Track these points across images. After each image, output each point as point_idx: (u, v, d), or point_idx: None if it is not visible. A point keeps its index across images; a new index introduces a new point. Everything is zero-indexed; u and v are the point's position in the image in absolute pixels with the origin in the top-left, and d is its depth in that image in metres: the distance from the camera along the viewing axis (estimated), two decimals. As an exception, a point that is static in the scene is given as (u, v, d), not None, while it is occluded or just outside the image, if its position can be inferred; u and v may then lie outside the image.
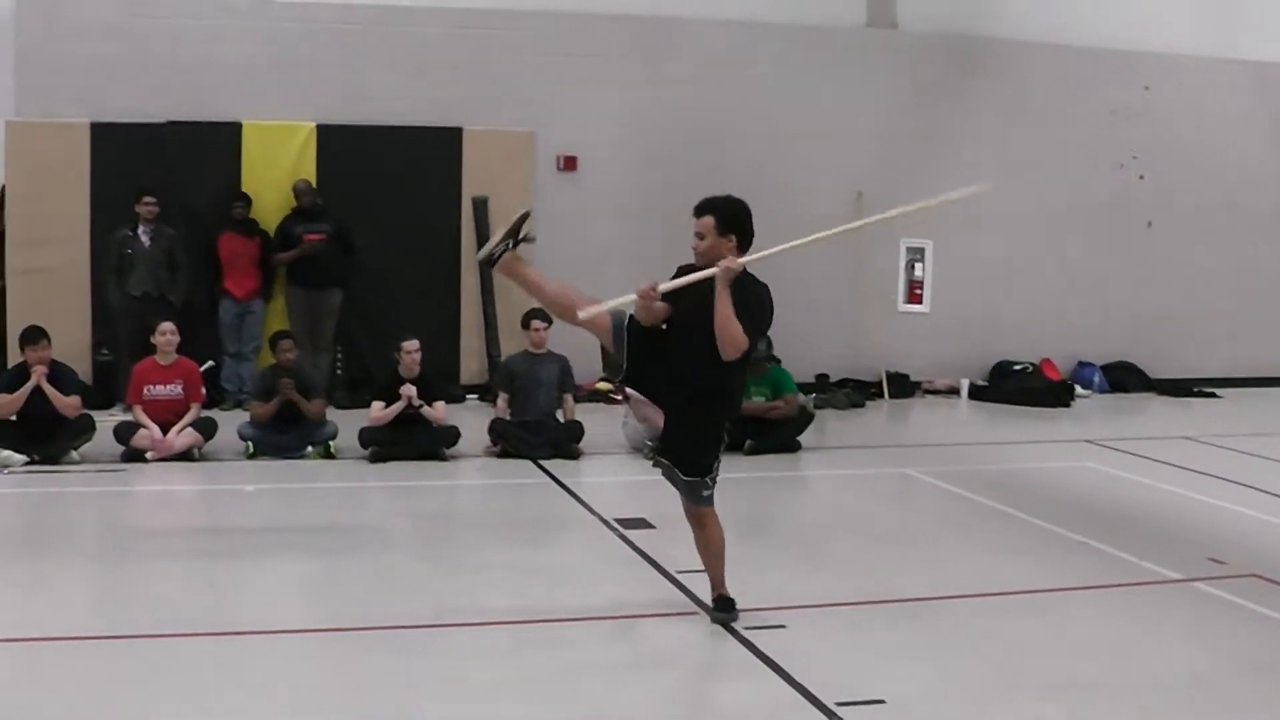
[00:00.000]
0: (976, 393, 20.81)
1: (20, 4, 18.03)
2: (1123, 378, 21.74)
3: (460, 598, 9.21)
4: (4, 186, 18.10)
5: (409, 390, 14.50)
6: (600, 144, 19.77)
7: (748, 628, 8.57)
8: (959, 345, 20.98)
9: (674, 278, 8.71)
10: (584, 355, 15.49)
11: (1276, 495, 13.30)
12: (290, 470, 14.23)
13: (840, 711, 7.15)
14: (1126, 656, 8.39)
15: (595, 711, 7.41)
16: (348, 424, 15.05)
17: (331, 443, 14.80)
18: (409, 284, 18.70)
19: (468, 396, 18.67)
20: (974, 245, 20.83)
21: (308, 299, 18.31)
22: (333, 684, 7.69)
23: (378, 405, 14.65)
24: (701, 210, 9.01)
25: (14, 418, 14.19)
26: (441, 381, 15.69)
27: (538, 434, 14.81)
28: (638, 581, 9.11)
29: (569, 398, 15.20)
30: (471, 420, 15.72)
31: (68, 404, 14.22)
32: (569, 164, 19.80)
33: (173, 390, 14.75)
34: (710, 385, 8.52)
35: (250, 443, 14.69)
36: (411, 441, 14.60)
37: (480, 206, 19.26)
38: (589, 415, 15.78)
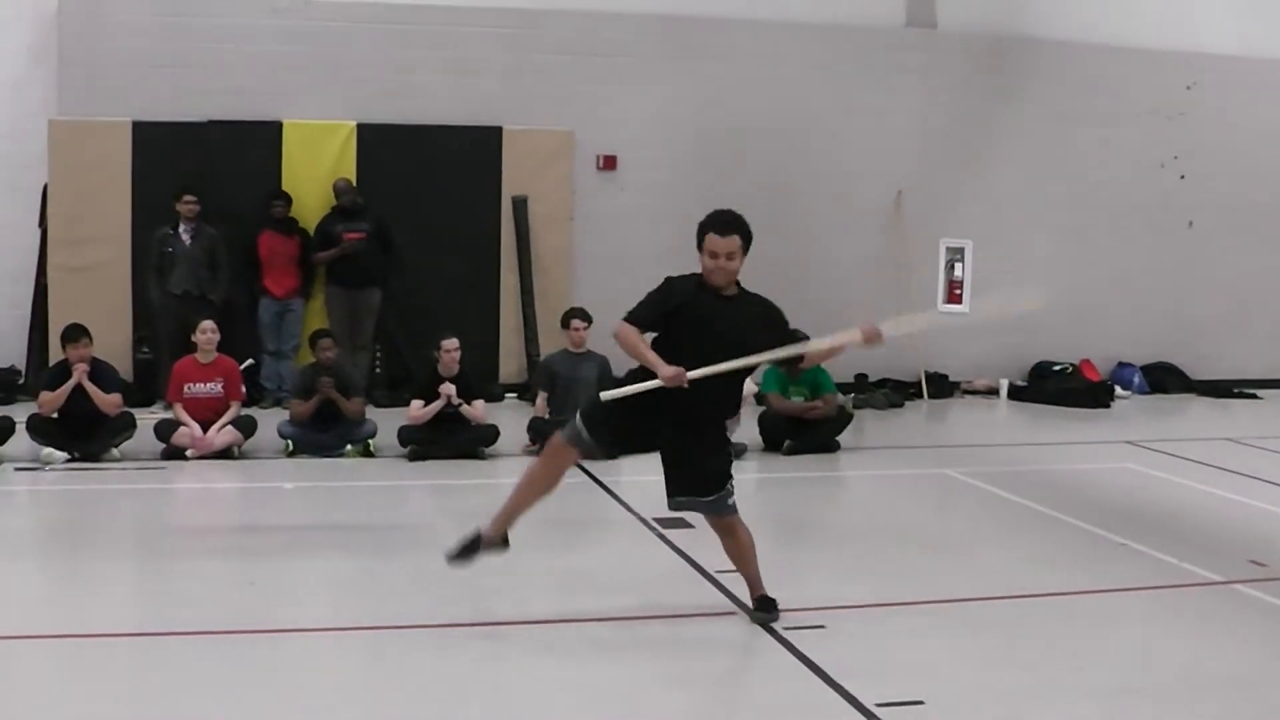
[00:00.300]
0: (1016, 393, 20.77)
1: (63, 3, 18.16)
2: (1163, 379, 21.66)
3: (500, 597, 9.20)
4: (46, 185, 18.20)
5: (448, 389, 14.51)
6: (640, 143, 19.78)
7: (787, 628, 8.56)
8: (998, 345, 20.91)
9: (667, 293, 8.56)
10: (624, 355, 15.47)
11: (1319, 498, 13.24)
12: (329, 469, 14.27)
13: (879, 712, 7.13)
14: (1167, 659, 8.34)
15: (634, 711, 7.41)
16: (387, 422, 15.08)
17: (370, 441, 14.83)
18: (448, 283, 18.73)
19: (507, 395, 18.70)
20: (1014, 245, 20.76)
21: (347, 298, 18.35)
22: (373, 683, 7.70)
23: (417, 404, 14.68)
24: (730, 228, 8.51)
25: (56, 415, 14.27)
26: (480, 380, 15.69)
27: (577, 434, 14.80)
28: (677, 581, 9.10)
29: (609, 397, 15.18)
30: (510, 419, 15.73)
31: (109, 401, 14.29)
32: (609, 163, 19.81)
33: (213, 388, 14.80)
34: (731, 400, 8.62)
35: (290, 441, 14.75)
36: (450, 440, 14.62)
37: (520, 206, 19.28)
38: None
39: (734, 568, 8.94)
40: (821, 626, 8.64)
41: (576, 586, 9.57)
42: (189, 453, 14.37)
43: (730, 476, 8.66)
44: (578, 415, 8.51)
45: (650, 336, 8.48)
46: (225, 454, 14.51)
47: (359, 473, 14.24)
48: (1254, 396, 21.41)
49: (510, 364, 19.39)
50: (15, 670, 7.85)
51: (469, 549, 8.61)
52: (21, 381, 18.14)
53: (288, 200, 18.39)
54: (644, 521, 11.47)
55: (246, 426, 14.79)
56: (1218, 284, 22.01)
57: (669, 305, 8.44)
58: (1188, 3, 21.36)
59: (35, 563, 10.79)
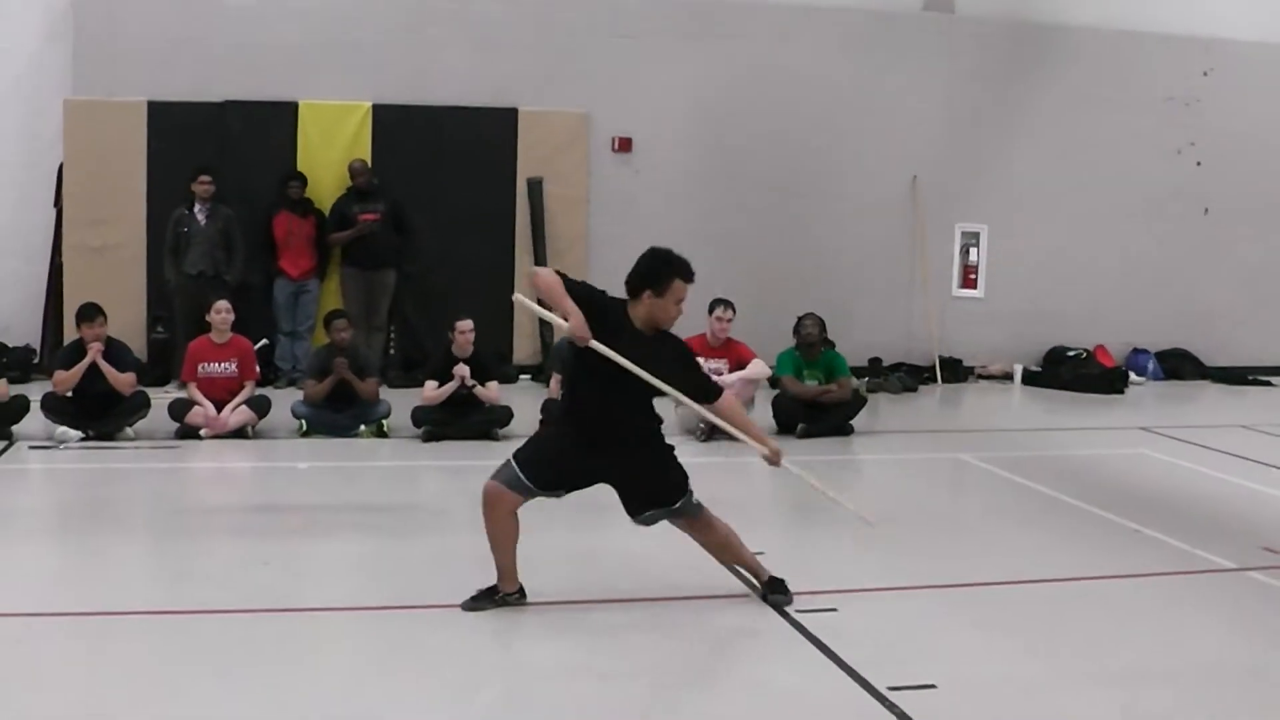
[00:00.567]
0: (1030, 378, 20.76)
1: (79, -17, 18.16)
2: (1177, 365, 21.63)
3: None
4: (62, 165, 18.24)
5: (462, 370, 14.52)
6: (656, 126, 19.78)
7: (799, 610, 8.56)
8: (1013, 330, 20.91)
9: (603, 300, 8.52)
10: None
11: (1333, 485, 13.23)
12: (343, 449, 14.30)
13: (891, 696, 7.13)
14: (1180, 645, 8.33)
15: (646, 691, 7.42)
16: (401, 403, 15.12)
17: (385, 422, 14.86)
18: (463, 264, 18.75)
19: (521, 377, 18.72)
20: (1029, 230, 20.77)
21: (362, 279, 18.38)
22: (388, 662, 7.71)
23: (431, 385, 14.69)
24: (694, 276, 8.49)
25: (70, 394, 14.30)
26: (495, 361, 15.71)
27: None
28: (689, 563, 9.09)
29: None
30: (525, 401, 15.73)
31: (123, 381, 14.32)
32: (624, 145, 19.81)
33: (227, 368, 14.83)
34: (644, 416, 8.58)
35: (304, 421, 14.77)
36: (464, 421, 14.63)
37: (535, 187, 19.29)
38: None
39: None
40: (834, 610, 8.64)
41: (590, 568, 9.58)
42: (203, 432, 14.40)
43: (687, 478, 8.64)
44: (511, 456, 8.51)
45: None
46: (239, 434, 14.54)
47: (373, 453, 14.27)
48: (1268, 384, 21.41)
49: (524, 345, 19.41)
50: (30, 648, 7.85)
51: (484, 596, 8.59)
52: (36, 360, 18.19)
53: (303, 181, 18.41)
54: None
55: (261, 406, 14.81)
56: (1233, 270, 21.96)
57: (594, 307, 8.34)
58: (1205, -11, 21.34)
59: (50, 541, 10.82)
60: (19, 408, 14.30)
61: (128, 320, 17.06)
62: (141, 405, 14.56)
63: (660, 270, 8.35)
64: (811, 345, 15.59)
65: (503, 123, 19.29)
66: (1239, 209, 21.86)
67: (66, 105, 18.08)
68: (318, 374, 14.95)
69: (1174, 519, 11.44)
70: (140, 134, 18.27)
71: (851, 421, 15.58)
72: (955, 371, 20.67)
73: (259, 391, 15.17)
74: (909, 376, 19.89)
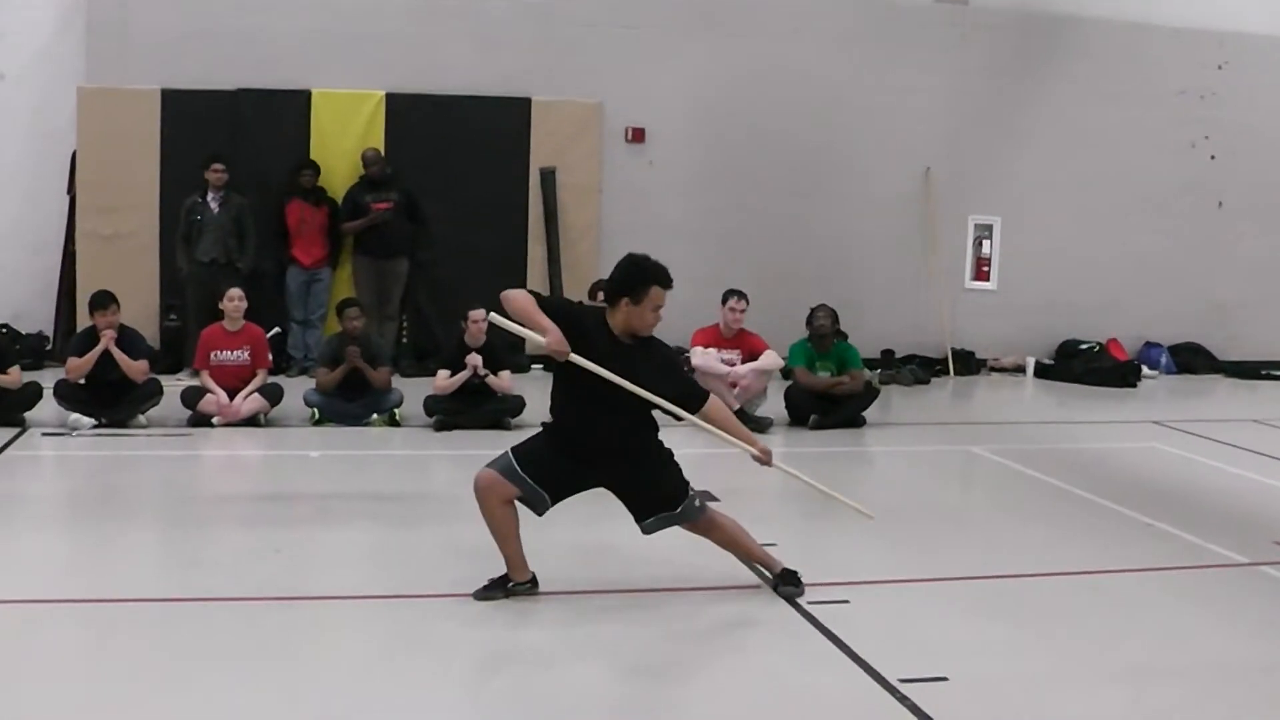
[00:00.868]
0: (1042, 371, 20.73)
1: (93, -30, 18.16)
2: (1190, 359, 21.60)
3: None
4: (75, 152, 18.25)
5: (475, 359, 14.51)
6: (668, 116, 19.77)
7: (811, 602, 8.57)
8: (1025, 323, 20.89)
9: (577, 312, 8.64)
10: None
11: (1346, 479, 13.21)
12: (355, 437, 14.31)
13: (902, 688, 7.13)
14: (1191, 640, 8.32)
15: (656, 682, 7.44)
16: (413, 392, 15.12)
17: (397, 411, 14.87)
18: (476, 254, 18.69)
19: (533, 366, 18.67)
20: (1042, 223, 20.74)
21: (375, 268, 18.40)
22: (399, 651, 7.71)
23: (443, 374, 14.68)
24: (672, 282, 8.41)
25: (83, 381, 14.31)
26: (507, 351, 15.67)
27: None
28: (699, 555, 9.09)
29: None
30: (537, 390, 15.56)
31: (136, 368, 14.34)
32: (637, 135, 19.79)
33: (240, 356, 14.84)
34: (644, 424, 8.53)
35: (316, 409, 14.78)
36: (477, 411, 14.63)
37: (548, 177, 19.28)
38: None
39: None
40: (845, 602, 8.65)
41: (603, 558, 9.59)
42: (215, 420, 14.41)
43: (687, 484, 8.64)
44: (510, 448, 8.55)
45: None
46: (251, 421, 14.56)
47: (385, 442, 14.29)
48: (1282, 378, 21.37)
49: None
50: (41, 635, 7.88)
51: (495, 586, 8.59)
52: (49, 347, 18.22)
53: (316, 170, 18.42)
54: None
55: (273, 394, 14.82)
56: (1247, 264, 21.91)
57: (571, 320, 8.33)
58: (1220, -18, 21.28)
59: (61, 528, 10.85)
60: (32, 394, 14.33)
61: (140, 308, 17.07)
62: (154, 392, 14.58)
63: (636, 278, 8.30)
64: (824, 337, 15.58)
65: (516, 112, 19.27)
66: (1253, 203, 21.81)
67: (80, 93, 18.09)
68: (330, 362, 14.96)
69: (1186, 513, 11.44)
70: (153, 122, 18.28)
71: (864, 413, 15.57)
72: (967, 364, 20.66)
73: (271, 380, 15.19)
74: (921, 369, 19.89)
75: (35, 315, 18.45)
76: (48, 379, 14.94)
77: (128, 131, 18.13)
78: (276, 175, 18.33)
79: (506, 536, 8.49)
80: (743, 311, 15.25)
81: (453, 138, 18.90)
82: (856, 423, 15.46)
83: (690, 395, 8.63)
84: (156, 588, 8.95)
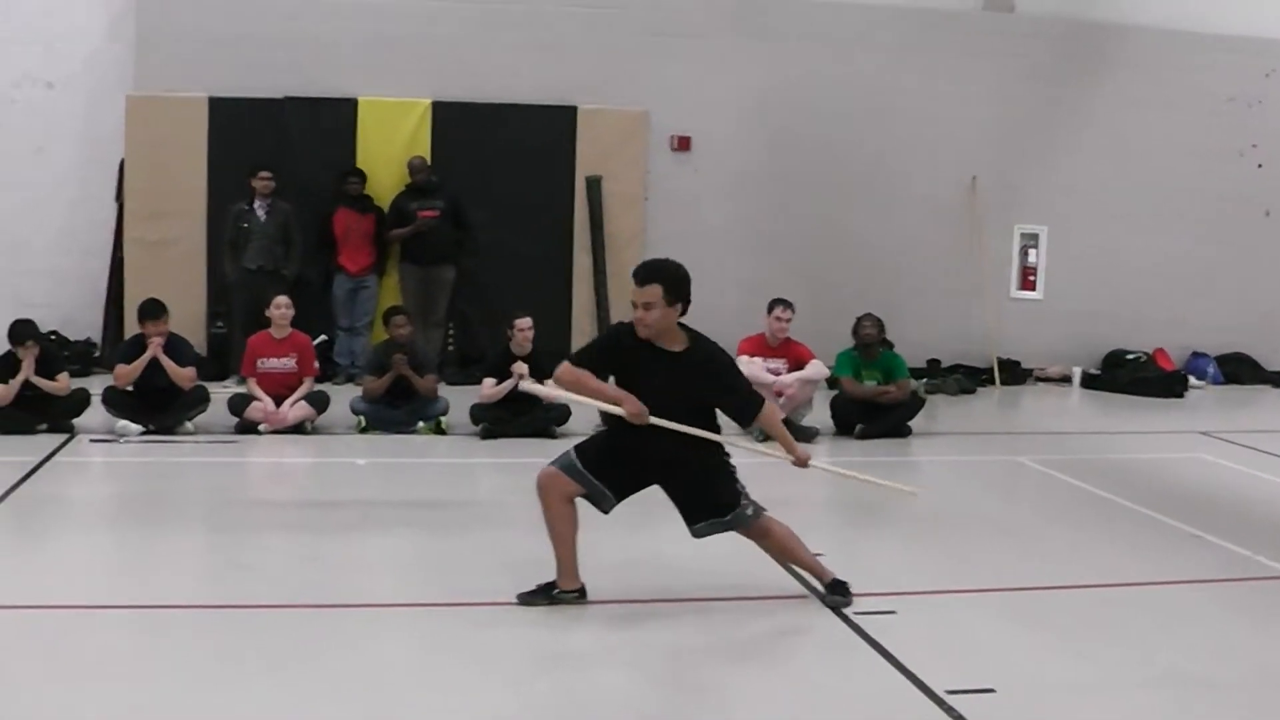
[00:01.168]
0: (1089, 381, 20.64)
1: (142, -21, 18.26)
2: (1237, 369, 21.47)
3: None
4: (123, 160, 18.34)
5: (520, 368, 14.51)
6: (714, 125, 19.75)
7: (857, 613, 8.55)
8: (1071, 332, 20.80)
9: (611, 340, 8.85)
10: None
11: (1395, 491, 13.12)
12: (401, 445, 14.35)
13: (949, 699, 7.11)
14: (1239, 652, 8.25)
15: (700, 691, 7.44)
16: (459, 400, 15.14)
17: (443, 419, 14.90)
18: (521, 262, 18.73)
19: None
20: (1088, 232, 20.65)
21: (421, 275, 18.44)
22: (442, 658, 7.73)
23: (489, 382, 14.71)
24: (646, 278, 8.30)
25: (131, 388, 14.39)
26: (553, 359, 15.66)
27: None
28: (747, 564, 9.08)
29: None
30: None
31: (183, 375, 14.40)
32: (683, 144, 19.80)
33: (286, 364, 14.89)
34: (699, 440, 8.48)
35: (362, 417, 14.82)
36: (522, 419, 14.63)
37: (594, 185, 19.29)
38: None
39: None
40: (892, 612, 8.62)
41: (648, 567, 9.58)
42: (262, 427, 14.47)
43: (740, 491, 8.61)
44: (572, 448, 8.60)
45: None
46: (298, 429, 14.62)
47: (430, 450, 14.32)
48: (1330, 389, 21.22)
49: (582, 343, 19.36)
50: (89, 639, 7.93)
51: (541, 592, 8.60)
52: (97, 354, 18.33)
53: (362, 177, 18.47)
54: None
55: (319, 402, 14.86)
56: (1295, 274, 21.78)
57: (610, 353, 8.50)
58: (1267, -11, 21.15)
59: (109, 533, 10.92)
60: (80, 401, 14.43)
61: (187, 315, 17.11)
62: (201, 400, 14.64)
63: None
64: (870, 346, 15.55)
65: (562, 121, 19.30)
66: (1301, 212, 21.68)
67: (128, 101, 18.19)
68: (376, 370, 15.00)
69: (1234, 524, 11.36)
70: (201, 129, 18.37)
71: (909, 423, 15.54)
72: (1013, 374, 20.58)
73: (317, 387, 15.23)
74: (967, 378, 19.82)
75: (83, 322, 18.56)
76: (96, 386, 15.04)
77: (175, 139, 18.21)
78: (323, 183, 18.39)
79: (563, 538, 8.50)
80: (788, 321, 15.23)
81: (498, 146, 18.92)
82: (902, 432, 15.43)
83: (745, 409, 8.65)
84: (203, 593, 8.99)
